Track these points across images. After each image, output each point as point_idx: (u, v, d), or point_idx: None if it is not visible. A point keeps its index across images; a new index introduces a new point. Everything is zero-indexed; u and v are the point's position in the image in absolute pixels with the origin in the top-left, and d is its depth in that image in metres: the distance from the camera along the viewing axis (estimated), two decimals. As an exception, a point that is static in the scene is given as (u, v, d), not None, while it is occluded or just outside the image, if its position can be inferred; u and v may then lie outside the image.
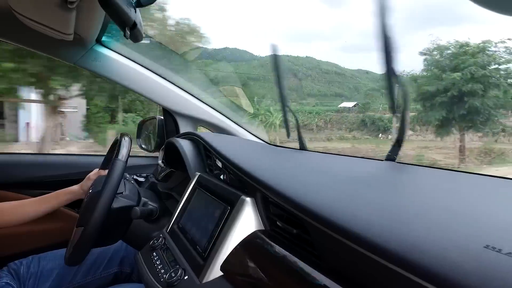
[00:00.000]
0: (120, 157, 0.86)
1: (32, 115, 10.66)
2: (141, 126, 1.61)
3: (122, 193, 0.95)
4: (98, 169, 1.12)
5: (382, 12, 0.68)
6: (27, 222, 1.00)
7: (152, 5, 0.77)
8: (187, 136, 1.12)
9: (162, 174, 1.16)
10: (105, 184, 0.83)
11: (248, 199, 0.66)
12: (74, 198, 1.06)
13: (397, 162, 0.81)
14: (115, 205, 0.88)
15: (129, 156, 0.90)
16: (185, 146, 1.04)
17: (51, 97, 7.94)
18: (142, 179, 1.36)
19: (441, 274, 0.31)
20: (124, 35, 0.77)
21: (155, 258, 0.79)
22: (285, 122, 1.08)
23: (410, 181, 0.70)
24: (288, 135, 1.10)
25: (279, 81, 1.01)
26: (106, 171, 0.90)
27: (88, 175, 1.09)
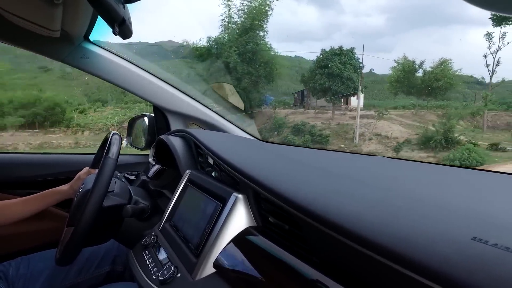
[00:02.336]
0: (110, 155, 0.85)
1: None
2: (131, 124, 1.59)
3: (113, 191, 0.94)
4: (88, 168, 1.11)
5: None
6: (14, 223, 0.98)
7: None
8: (178, 133, 1.11)
9: (153, 172, 1.15)
10: (95, 182, 0.81)
11: (240, 195, 0.66)
12: (62, 198, 1.05)
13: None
14: (106, 203, 0.87)
15: (119, 154, 0.89)
16: (176, 143, 1.03)
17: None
18: (133, 177, 1.35)
19: (429, 265, 0.31)
20: (113, 32, 0.76)
21: (148, 256, 0.78)
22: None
23: None
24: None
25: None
26: (97, 170, 0.89)
27: (78, 174, 1.07)
